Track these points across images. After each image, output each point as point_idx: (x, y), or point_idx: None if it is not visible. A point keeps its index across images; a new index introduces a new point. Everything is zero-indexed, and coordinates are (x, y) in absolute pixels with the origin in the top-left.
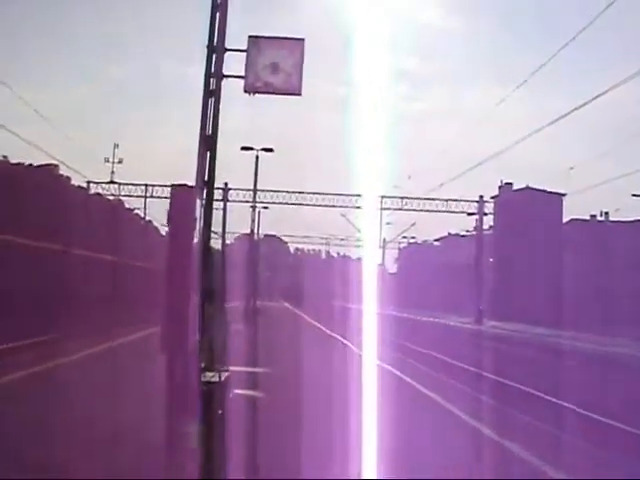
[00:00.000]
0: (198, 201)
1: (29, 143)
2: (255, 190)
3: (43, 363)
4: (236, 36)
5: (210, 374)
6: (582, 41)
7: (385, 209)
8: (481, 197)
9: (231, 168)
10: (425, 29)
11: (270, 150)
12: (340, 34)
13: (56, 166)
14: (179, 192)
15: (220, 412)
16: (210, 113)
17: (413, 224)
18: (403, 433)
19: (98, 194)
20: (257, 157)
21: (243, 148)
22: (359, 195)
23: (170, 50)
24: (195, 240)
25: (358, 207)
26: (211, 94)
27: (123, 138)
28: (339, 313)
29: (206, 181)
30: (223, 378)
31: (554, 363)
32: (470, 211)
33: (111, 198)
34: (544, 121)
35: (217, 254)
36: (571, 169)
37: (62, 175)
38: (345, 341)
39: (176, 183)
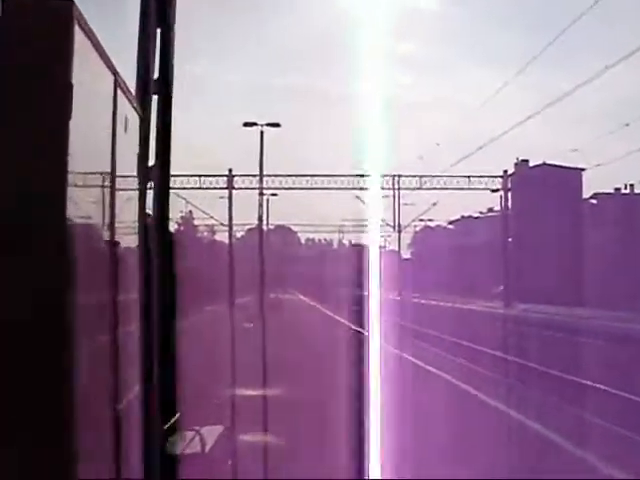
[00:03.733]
0: None
1: None
2: (261, 175)
3: None
4: None
5: (177, 440)
6: (584, 24)
7: (403, 189)
8: (505, 172)
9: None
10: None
11: (276, 125)
12: (343, 24)
13: None
14: None
15: None
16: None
17: (434, 204)
18: None
19: None
20: (262, 133)
21: (246, 124)
22: (368, 175)
23: None
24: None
25: (378, 189)
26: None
27: None
28: (360, 304)
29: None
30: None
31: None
32: (493, 188)
33: None
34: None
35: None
36: (574, 150)
37: None
38: (393, 349)
39: None
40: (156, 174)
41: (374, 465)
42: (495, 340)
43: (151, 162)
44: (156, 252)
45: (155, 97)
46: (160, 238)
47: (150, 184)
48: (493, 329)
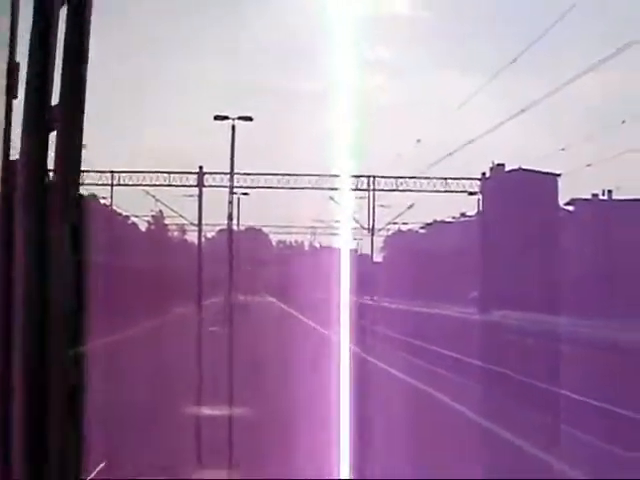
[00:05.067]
0: None
1: None
2: (232, 173)
3: None
4: None
5: None
6: (558, 30)
7: (378, 190)
8: (484, 174)
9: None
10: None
11: (249, 119)
12: (316, 29)
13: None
14: None
15: None
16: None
17: (411, 206)
18: None
19: None
20: (233, 127)
21: (217, 117)
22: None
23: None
24: None
25: (352, 189)
26: None
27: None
28: (328, 306)
29: None
30: None
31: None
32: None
33: None
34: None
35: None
36: (562, 149)
37: None
38: (371, 358)
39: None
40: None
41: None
42: (484, 350)
43: None
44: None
45: None
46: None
47: None
48: (478, 337)
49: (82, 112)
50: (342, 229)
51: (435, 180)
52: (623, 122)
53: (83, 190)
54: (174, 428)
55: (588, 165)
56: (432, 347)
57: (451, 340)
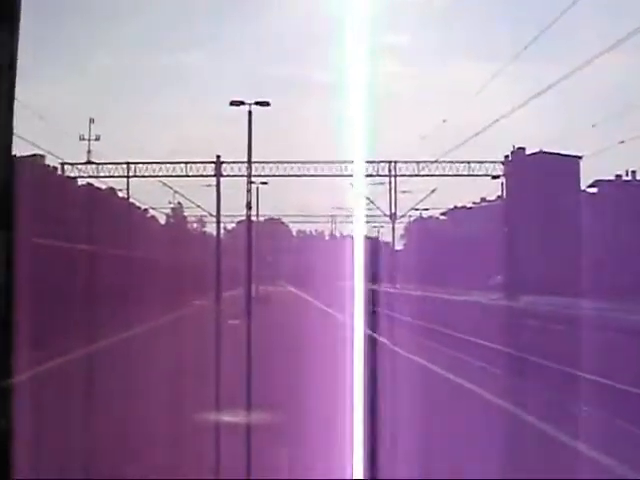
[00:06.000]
0: None
1: None
2: (250, 162)
3: None
4: None
5: None
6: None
7: (399, 176)
8: (507, 157)
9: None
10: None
11: (266, 104)
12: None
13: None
14: None
15: None
16: None
17: (433, 190)
18: None
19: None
20: (250, 113)
21: (233, 103)
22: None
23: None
24: None
25: (370, 175)
26: None
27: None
28: (349, 295)
29: None
30: None
31: None
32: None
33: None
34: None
35: None
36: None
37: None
38: (410, 355)
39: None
40: None
41: None
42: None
43: None
44: None
45: None
46: None
47: None
48: (518, 328)
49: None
50: (357, 216)
51: (458, 164)
52: None
53: (100, 183)
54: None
55: (621, 142)
56: (462, 336)
57: (487, 332)
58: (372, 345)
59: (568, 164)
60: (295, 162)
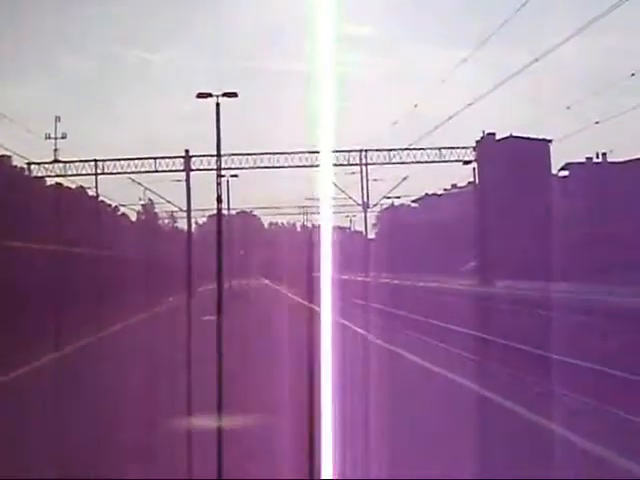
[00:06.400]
0: None
1: None
2: (219, 155)
3: None
4: None
5: None
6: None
7: (371, 164)
8: (477, 142)
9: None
10: None
11: (233, 95)
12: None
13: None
14: None
15: None
16: None
17: (405, 178)
18: None
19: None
20: (218, 105)
21: (200, 95)
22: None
23: None
24: None
25: (341, 165)
26: None
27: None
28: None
29: None
30: None
31: None
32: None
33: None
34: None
35: None
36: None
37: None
38: (382, 342)
39: None
40: None
41: None
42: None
43: None
44: None
45: None
46: None
47: None
48: (498, 313)
49: None
50: (323, 205)
51: (429, 151)
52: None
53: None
54: None
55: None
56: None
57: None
58: (341, 334)
59: (538, 147)
60: (264, 154)
